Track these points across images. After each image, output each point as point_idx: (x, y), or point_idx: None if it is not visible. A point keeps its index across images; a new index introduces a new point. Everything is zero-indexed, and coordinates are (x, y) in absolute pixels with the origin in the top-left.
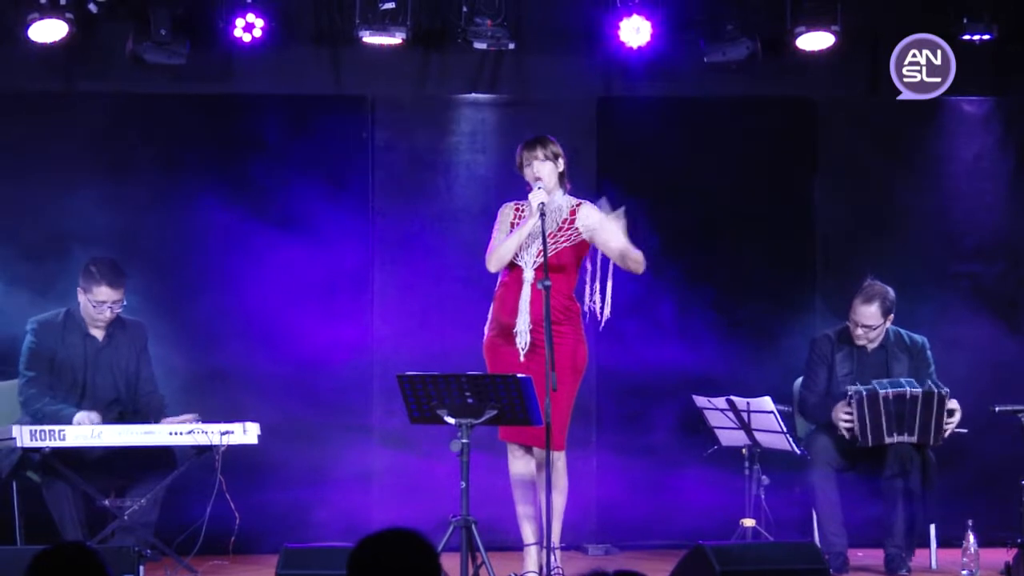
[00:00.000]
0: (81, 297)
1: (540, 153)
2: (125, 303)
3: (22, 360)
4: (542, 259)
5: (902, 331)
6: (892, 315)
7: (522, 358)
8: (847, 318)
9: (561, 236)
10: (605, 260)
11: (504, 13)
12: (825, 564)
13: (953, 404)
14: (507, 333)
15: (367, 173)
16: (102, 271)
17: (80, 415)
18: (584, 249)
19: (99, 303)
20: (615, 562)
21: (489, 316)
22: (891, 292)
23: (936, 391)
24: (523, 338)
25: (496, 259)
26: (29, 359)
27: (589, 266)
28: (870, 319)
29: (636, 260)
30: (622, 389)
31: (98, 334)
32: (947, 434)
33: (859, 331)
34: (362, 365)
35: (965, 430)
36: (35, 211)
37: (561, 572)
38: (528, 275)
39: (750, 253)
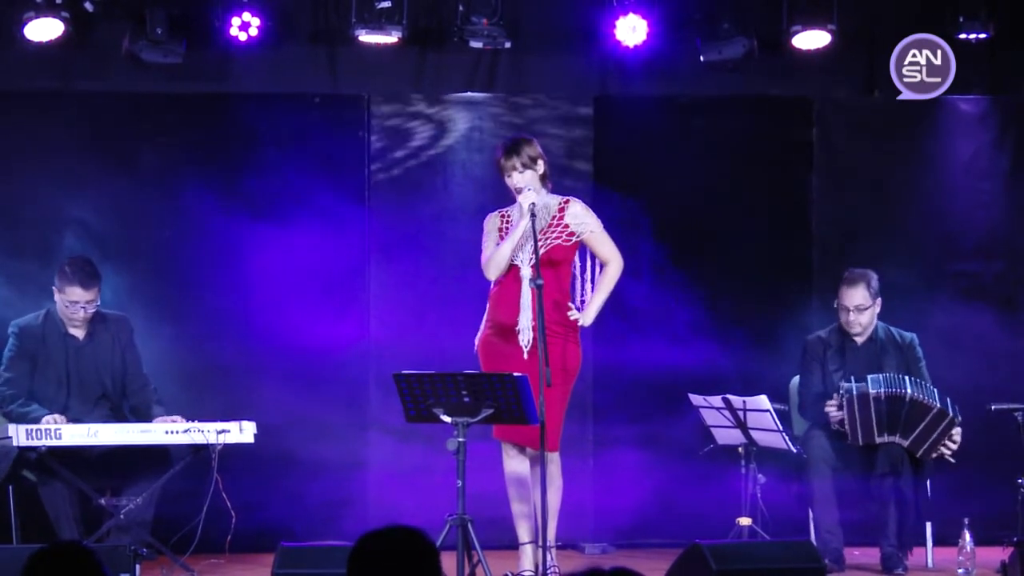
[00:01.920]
0: (56, 296)
1: (517, 163)
2: (99, 303)
3: (3, 360)
4: (537, 258)
5: (892, 328)
6: (880, 300)
7: (526, 355)
8: (838, 316)
9: (552, 233)
10: (594, 257)
11: (500, 12)
12: (821, 563)
13: (957, 434)
14: (504, 332)
15: (363, 172)
16: (75, 271)
17: (47, 418)
18: (576, 246)
19: (72, 303)
20: (613, 561)
21: (486, 315)
22: (874, 276)
23: (951, 415)
24: (526, 335)
25: (494, 266)
26: (9, 361)
27: (578, 263)
28: (859, 299)
29: (614, 276)
30: (619, 387)
31: (78, 332)
32: (936, 455)
33: (850, 316)
34: (358, 364)
35: (954, 461)
36: (30, 210)
37: (557, 571)
38: (525, 272)
39: (747, 252)
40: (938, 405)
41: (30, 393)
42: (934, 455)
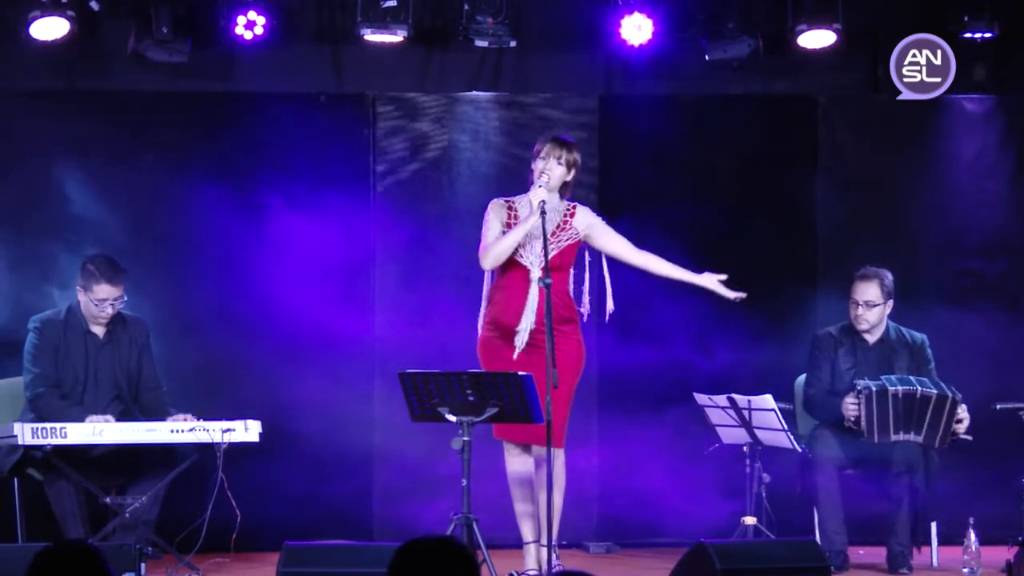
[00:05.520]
0: (81, 296)
1: (564, 156)
2: (126, 299)
3: (27, 357)
4: (547, 257)
5: (903, 328)
6: (892, 300)
7: (515, 356)
8: (847, 312)
9: (564, 235)
10: (595, 258)
11: (505, 11)
12: (826, 562)
13: (963, 411)
14: (506, 333)
15: (368, 171)
16: (101, 269)
17: (93, 417)
18: (578, 244)
19: (100, 301)
20: (617, 560)
21: (485, 316)
22: (889, 275)
23: (950, 396)
24: (522, 337)
25: (493, 256)
26: (35, 356)
27: (576, 268)
28: (870, 295)
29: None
30: (623, 387)
31: (99, 331)
32: (952, 439)
33: (860, 310)
34: (363, 362)
35: (970, 438)
36: (36, 208)
37: (562, 569)
38: (535, 274)
39: (751, 251)
40: (935, 391)
41: (57, 387)
42: (951, 439)
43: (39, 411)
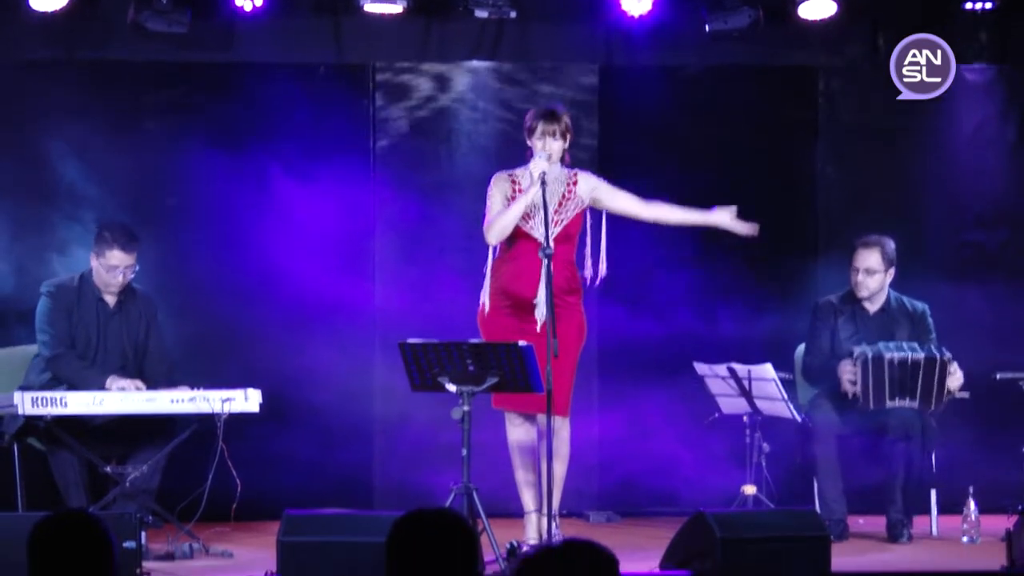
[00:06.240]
0: (94, 262)
1: (558, 129)
2: (138, 267)
3: (41, 319)
4: (555, 228)
5: (904, 297)
6: (893, 269)
7: (539, 329)
8: (848, 280)
9: (570, 205)
10: (597, 223)
11: None
12: (826, 531)
13: (955, 369)
14: (521, 307)
15: (368, 141)
16: (115, 235)
17: (121, 382)
18: (584, 212)
19: (112, 267)
20: (617, 529)
21: (491, 287)
22: (891, 243)
23: (938, 357)
24: (541, 309)
25: (498, 230)
26: (48, 320)
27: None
28: (871, 262)
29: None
30: (624, 356)
31: (110, 300)
32: (948, 399)
33: (859, 277)
34: (363, 332)
35: (967, 394)
36: (37, 180)
37: (563, 538)
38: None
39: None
40: (923, 354)
41: (73, 347)
42: (946, 400)
43: (59, 370)
